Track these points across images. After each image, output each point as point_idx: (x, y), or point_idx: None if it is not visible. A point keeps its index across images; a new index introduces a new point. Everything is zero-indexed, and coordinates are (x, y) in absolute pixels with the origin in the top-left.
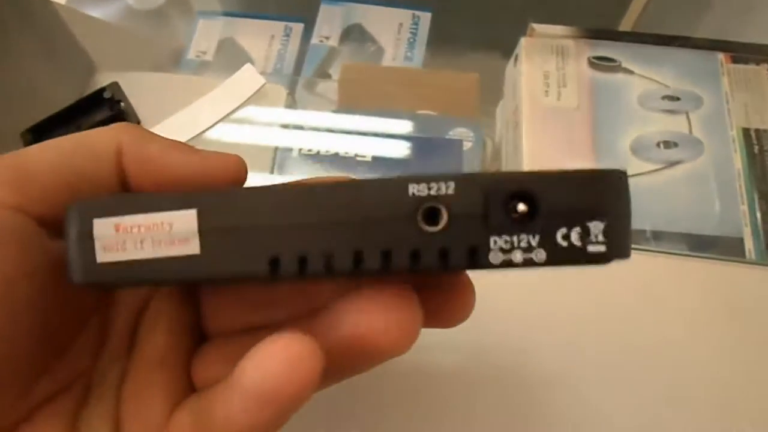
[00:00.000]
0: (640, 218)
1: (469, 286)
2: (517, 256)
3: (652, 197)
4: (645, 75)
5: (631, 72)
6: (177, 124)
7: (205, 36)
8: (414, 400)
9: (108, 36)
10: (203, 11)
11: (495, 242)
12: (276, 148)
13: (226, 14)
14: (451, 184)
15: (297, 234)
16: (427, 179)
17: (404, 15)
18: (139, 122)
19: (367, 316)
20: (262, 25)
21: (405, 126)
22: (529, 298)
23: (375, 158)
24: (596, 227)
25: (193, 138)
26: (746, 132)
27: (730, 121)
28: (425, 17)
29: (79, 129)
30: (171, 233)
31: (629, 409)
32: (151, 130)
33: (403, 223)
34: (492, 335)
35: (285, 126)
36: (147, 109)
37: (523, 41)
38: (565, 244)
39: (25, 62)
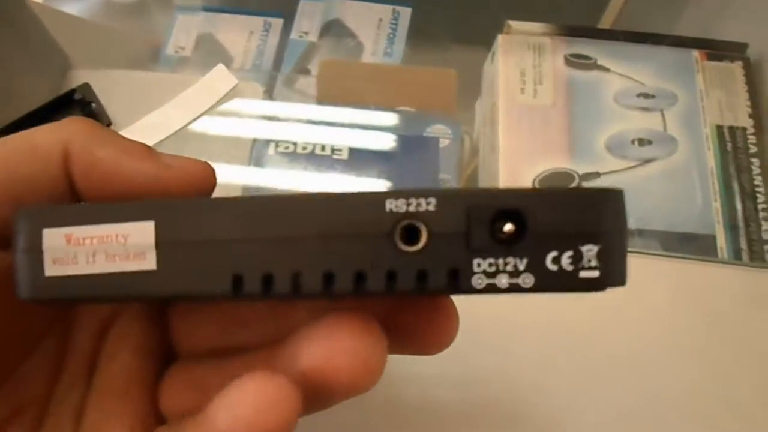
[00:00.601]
0: None
1: (451, 310)
2: (503, 281)
3: (626, 195)
4: (621, 72)
5: (607, 69)
6: (148, 126)
7: (183, 31)
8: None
9: (84, 32)
10: (182, 6)
11: (478, 265)
12: (254, 141)
13: (206, 9)
14: (432, 200)
15: (263, 250)
16: (407, 194)
17: (384, 10)
18: (110, 124)
19: (325, 347)
20: (241, 21)
21: (383, 123)
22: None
23: (352, 156)
24: (589, 251)
25: (164, 139)
26: (720, 129)
27: (704, 119)
28: (405, 12)
29: None
30: (126, 246)
31: (604, 412)
32: (122, 132)
33: (379, 242)
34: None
35: (262, 121)
36: (119, 109)
37: (500, 38)
38: (555, 268)
39: None
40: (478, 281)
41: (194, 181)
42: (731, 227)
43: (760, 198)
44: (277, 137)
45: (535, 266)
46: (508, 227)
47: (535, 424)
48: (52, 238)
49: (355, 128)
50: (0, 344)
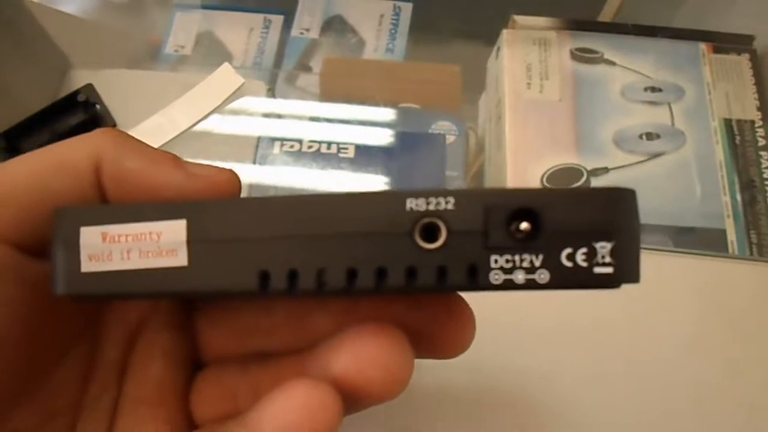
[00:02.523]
0: None
1: (467, 315)
2: (519, 277)
3: (635, 190)
4: (627, 66)
5: (613, 63)
6: (154, 126)
7: (182, 30)
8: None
9: (82, 32)
10: (180, 4)
11: (496, 261)
12: (258, 139)
13: (205, 7)
14: (451, 200)
15: (289, 248)
16: (426, 193)
17: (385, 6)
18: (114, 125)
19: (356, 358)
20: (241, 18)
21: (388, 120)
22: (505, 299)
23: (358, 154)
24: (603, 248)
25: (171, 140)
26: (728, 123)
27: (712, 112)
28: (406, 8)
29: (53, 133)
30: (159, 244)
31: (614, 407)
32: (128, 132)
33: (400, 239)
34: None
35: (267, 121)
36: (123, 109)
37: (505, 33)
38: (570, 265)
39: None
40: (496, 277)
41: (221, 190)
42: (741, 221)
43: None
44: (282, 135)
45: (551, 263)
46: (524, 225)
47: (547, 415)
48: (89, 235)
49: (359, 126)
50: (32, 351)
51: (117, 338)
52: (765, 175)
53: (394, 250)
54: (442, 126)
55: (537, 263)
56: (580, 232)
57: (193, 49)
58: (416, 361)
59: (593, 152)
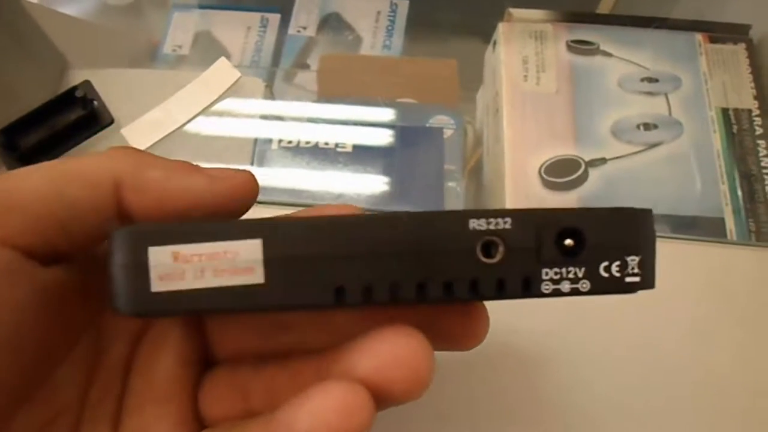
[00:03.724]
0: (622, 201)
1: (482, 312)
2: (566, 287)
3: (633, 180)
4: (624, 57)
5: (609, 55)
6: (151, 122)
7: (180, 29)
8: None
9: (81, 32)
10: (178, 4)
11: (546, 273)
12: (255, 140)
13: (202, 7)
14: (508, 220)
15: (363, 264)
16: (486, 215)
17: (382, 2)
18: (112, 120)
19: (380, 360)
20: (238, 17)
21: (385, 115)
22: None
23: (356, 149)
24: (633, 261)
25: (168, 134)
26: (725, 112)
27: (709, 102)
28: (403, 4)
29: (51, 129)
30: (234, 262)
31: (617, 393)
32: (126, 128)
33: (464, 256)
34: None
35: (264, 117)
36: (121, 107)
37: (501, 26)
38: (606, 275)
39: None
40: (546, 287)
41: (240, 191)
42: (739, 209)
43: None
44: (280, 132)
45: (591, 274)
46: (569, 242)
47: (551, 402)
48: (159, 255)
49: (357, 122)
50: (34, 352)
51: (123, 336)
52: (763, 164)
53: (459, 265)
54: (440, 120)
55: (580, 274)
56: (615, 248)
57: (191, 48)
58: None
59: (591, 143)
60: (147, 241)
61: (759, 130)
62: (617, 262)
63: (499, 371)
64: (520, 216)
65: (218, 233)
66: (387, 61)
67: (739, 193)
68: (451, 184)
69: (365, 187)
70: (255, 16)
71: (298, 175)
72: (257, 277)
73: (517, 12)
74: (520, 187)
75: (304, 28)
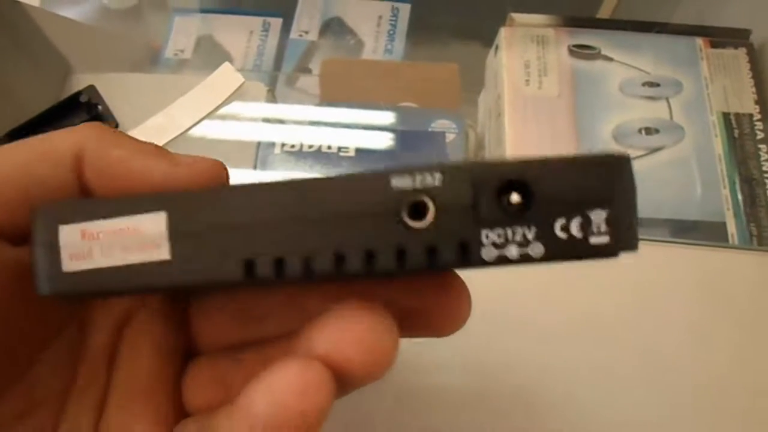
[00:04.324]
0: None
1: (462, 290)
2: (512, 251)
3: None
4: (625, 62)
5: (611, 59)
6: (156, 126)
7: (182, 34)
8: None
9: (83, 37)
10: (179, 8)
11: (487, 236)
12: (258, 144)
13: (203, 11)
14: (437, 175)
15: (273, 234)
16: (411, 170)
17: (383, 7)
18: (117, 125)
19: (335, 338)
20: (239, 21)
21: (388, 119)
22: (506, 293)
23: (358, 153)
24: (598, 216)
25: (173, 139)
26: (726, 116)
27: (710, 106)
28: (404, 8)
29: None
30: (139, 238)
31: (619, 402)
32: (130, 133)
33: (387, 220)
34: (479, 337)
35: (267, 121)
36: (125, 111)
37: (503, 31)
38: (564, 236)
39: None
40: (488, 253)
41: (206, 178)
42: (741, 214)
43: None
44: (283, 136)
45: (544, 235)
46: (515, 198)
47: (551, 407)
48: (68, 233)
49: (360, 126)
50: (15, 339)
51: (105, 326)
52: (764, 168)
53: (381, 231)
54: (442, 124)
55: (530, 236)
56: (573, 202)
57: (193, 52)
58: (418, 361)
59: (593, 147)
60: (57, 219)
61: (760, 135)
62: (577, 219)
63: (496, 380)
64: (452, 169)
65: (124, 208)
66: (389, 65)
67: (740, 197)
68: None
69: None
70: (257, 21)
71: None
72: (163, 252)
73: (518, 17)
74: None
75: (306, 32)
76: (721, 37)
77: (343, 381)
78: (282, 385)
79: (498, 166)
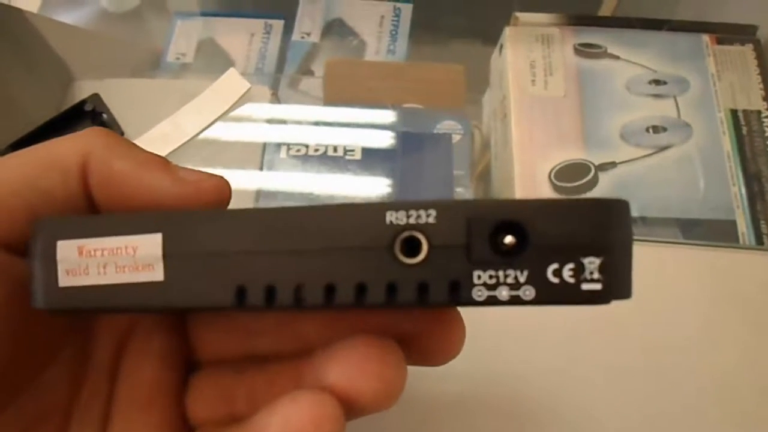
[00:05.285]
0: (633, 204)
1: (456, 320)
2: (503, 293)
3: (643, 183)
4: (631, 60)
5: (617, 57)
6: (162, 134)
7: (183, 37)
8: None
9: (84, 42)
10: (180, 12)
11: (479, 277)
12: (264, 146)
13: (204, 14)
14: (432, 212)
15: (266, 262)
16: (407, 206)
17: (385, 7)
18: (122, 133)
19: (349, 370)
20: (241, 24)
21: (392, 121)
22: None
23: (365, 156)
24: (591, 263)
25: (179, 147)
26: (734, 113)
27: (718, 103)
28: (406, 8)
29: None
30: (135, 258)
31: (629, 404)
32: (136, 141)
33: (380, 254)
34: (481, 340)
35: (272, 123)
36: (129, 118)
37: (508, 30)
38: (556, 281)
39: (0, 74)
40: (479, 293)
41: (209, 195)
42: (751, 211)
43: None
44: (288, 140)
45: (537, 278)
46: (509, 239)
47: (559, 406)
48: (66, 249)
49: (365, 128)
50: (20, 351)
51: (108, 340)
52: None
53: (373, 265)
54: (448, 125)
55: (522, 279)
56: (567, 247)
57: (195, 56)
58: (411, 369)
59: (600, 147)
60: (56, 234)
61: None
62: (570, 265)
63: (503, 378)
64: (447, 207)
65: (122, 227)
66: (393, 66)
67: (748, 194)
68: (459, 189)
69: (374, 194)
70: (258, 23)
71: (307, 183)
72: (157, 274)
73: (523, 16)
74: (530, 191)
75: (308, 34)
76: (727, 33)
77: (353, 410)
78: (296, 416)
79: (493, 206)
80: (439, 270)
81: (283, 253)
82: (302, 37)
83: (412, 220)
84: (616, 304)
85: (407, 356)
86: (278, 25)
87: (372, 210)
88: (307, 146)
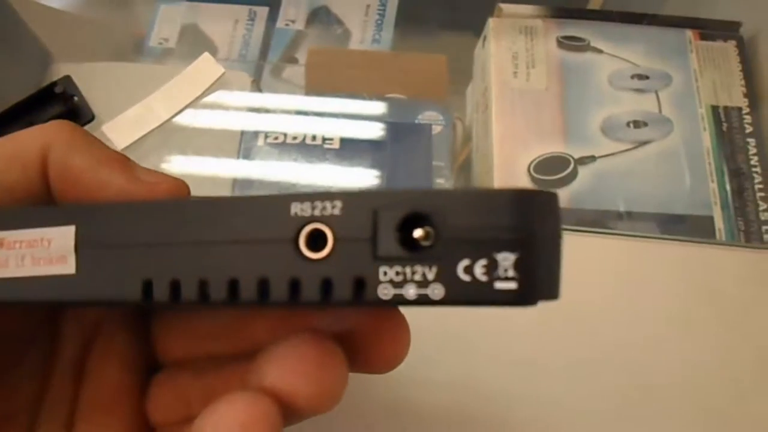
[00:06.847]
0: (612, 199)
1: (401, 326)
2: (410, 292)
3: (622, 177)
4: (614, 54)
5: (600, 51)
6: (133, 118)
7: (166, 22)
8: None
9: (64, 25)
10: None
11: (385, 273)
12: (242, 134)
13: None
14: (338, 203)
15: (172, 256)
16: (312, 197)
17: None
18: (93, 117)
19: (284, 371)
20: (225, 10)
21: (374, 110)
22: None
23: (343, 145)
24: (506, 260)
25: (151, 132)
26: (715, 109)
27: (699, 99)
28: None
29: (30, 125)
30: (49, 251)
31: (600, 399)
32: (107, 124)
33: (284, 248)
34: (458, 341)
35: (251, 111)
36: (103, 102)
37: (491, 22)
38: (467, 279)
39: None
40: (384, 292)
41: (163, 197)
42: (728, 208)
43: (757, 178)
44: (267, 128)
45: (446, 276)
46: (417, 232)
47: (534, 401)
48: None
49: (345, 117)
50: None
51: (74, 340)
52: (752, 162)
53: (277, 259)
54: (429, 116)
55: (430, 276)
56: (479, 241)
57: (178, 41)
58: (404, 377)
59: (581, 140)
60: None
61: (749, 128)
62: (482, 261)
63: (478, 377)
64: (353, 197)
65: (39, 219)
66: (376, 55)
67: (729, 190)
68: (440, 180)
69: (353, 183)
70: (243, 9)
71: (285, 171)
72: (69, 267)
73: (507, 7)
74: (509, 184)
75: (293, 21)
76: (710, 29)
77: (290, 413)
78: (229, 418)
79: (402, 196)
80: (343, 265)
81: (187, 246)
82: (287, 25)
83: (317, 212)
84: (591, 297)
85: (351, 360)
86: (263, 11)
87: (277, 201)
88: (285, 134)
